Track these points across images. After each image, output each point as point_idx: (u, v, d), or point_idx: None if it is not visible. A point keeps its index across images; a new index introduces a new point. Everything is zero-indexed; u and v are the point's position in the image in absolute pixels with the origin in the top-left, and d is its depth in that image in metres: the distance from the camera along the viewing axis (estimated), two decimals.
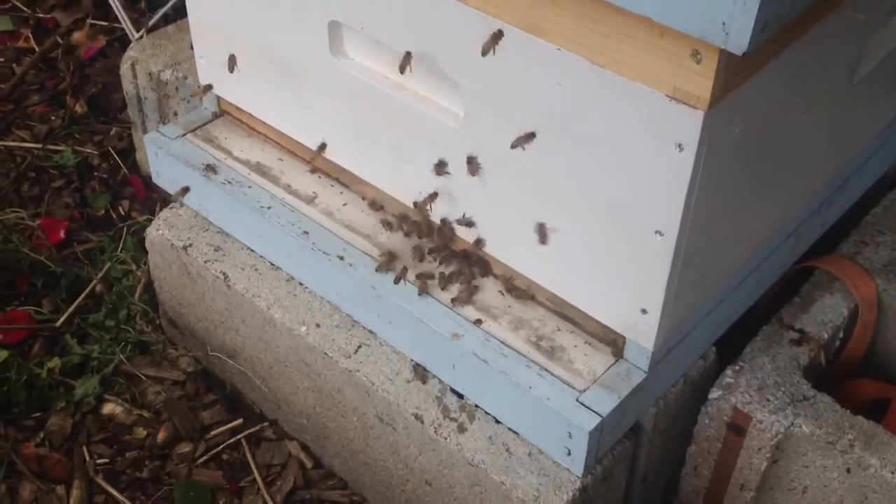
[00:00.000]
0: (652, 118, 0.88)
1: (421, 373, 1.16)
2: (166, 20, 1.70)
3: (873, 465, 1.07)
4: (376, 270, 1.17)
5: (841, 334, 1.24)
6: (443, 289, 1.15)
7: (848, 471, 1.09)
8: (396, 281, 1.15)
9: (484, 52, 0.96)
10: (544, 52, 0.93)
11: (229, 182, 1.29)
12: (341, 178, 1.29)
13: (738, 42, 0.77)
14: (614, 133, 0.92)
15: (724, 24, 0.76)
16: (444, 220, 1.15)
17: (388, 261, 1.17)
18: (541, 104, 0.97)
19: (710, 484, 1.21)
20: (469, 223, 1.12)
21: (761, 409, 1.12)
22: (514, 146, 1.00)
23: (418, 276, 1.16)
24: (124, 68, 1.63)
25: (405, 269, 1.15)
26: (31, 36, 2.02)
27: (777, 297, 1.29)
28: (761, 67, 0.89)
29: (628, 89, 0.88)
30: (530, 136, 0.98)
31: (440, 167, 1.10)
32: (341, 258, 1.20)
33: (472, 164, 1.06)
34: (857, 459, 1.08)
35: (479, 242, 1.13)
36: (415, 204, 1.16)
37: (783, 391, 1.13)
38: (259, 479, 1.35)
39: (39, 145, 1.80)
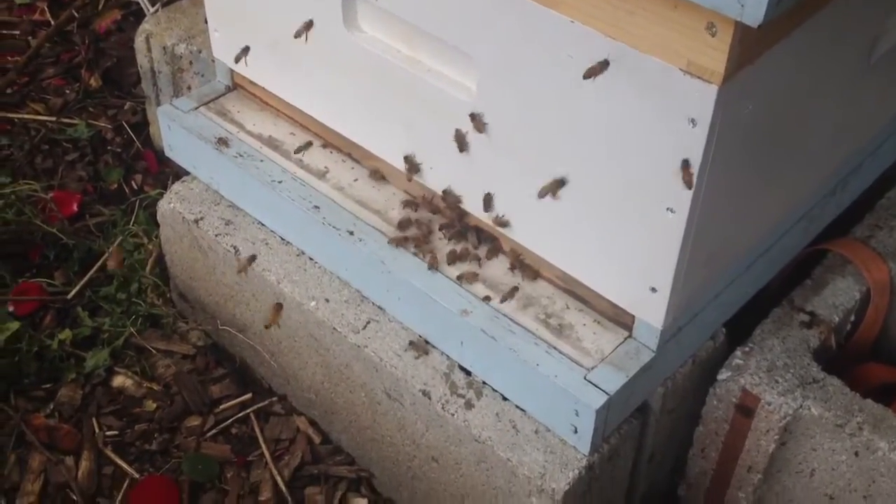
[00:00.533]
0: (665, 92, 0.87)
1: (420, 347, 1.16)
2: None
3: (882, 448, 1.06)
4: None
5: (852, 318, 1.24)
6: (450, 264, 1.15)
7: (856, 454, 1.08)
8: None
9: (586, 76, 0.93)
10: (557, 24, 0.92)
11: (241, 155, 1.29)
12: (353, 154, 1.28)
13: (754, 14, 0.76)
14: (627, 107, 0.92)
15: None
16: (450, 194, 1.15)
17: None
18: (553, 77, 0.96)
19: (718, 465, 1.20)
20: (481, 197, 1.12)
21: (770, 391, 1.11)
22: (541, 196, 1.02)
23: (427, 252, 1.16)
24: (139, 42, 1.63)
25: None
26: (46, 9, 2.02)
27: (789, 280, 1.28)
28: (776, 43, 0.88)
29: (642, 62, 0.88)
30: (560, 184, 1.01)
31: (458, 139, 1.10)
32: (351, 233, 1.19)
33: (477, 121, 1.05)
34: (866, 443, 1.07)
35: (491, 218, 1.13)
36: (405, 158, 1.16)
37: (792, 373, 1.13)
38: (267, 454, 1.35)
39: (54, 118, 1.80)
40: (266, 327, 1.29)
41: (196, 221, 1.34)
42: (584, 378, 1.05)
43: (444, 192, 1.15)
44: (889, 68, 1.18)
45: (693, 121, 0.87)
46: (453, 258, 1.15)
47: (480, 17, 0.99)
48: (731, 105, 0.87)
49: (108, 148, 1.77)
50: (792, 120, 1.02)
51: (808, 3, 0.89)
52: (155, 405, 1.41)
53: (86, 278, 1.53)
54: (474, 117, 1.06)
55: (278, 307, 1.24)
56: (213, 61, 1.40)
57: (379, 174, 1.24)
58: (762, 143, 0.99)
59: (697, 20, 0.82)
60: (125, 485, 1.32)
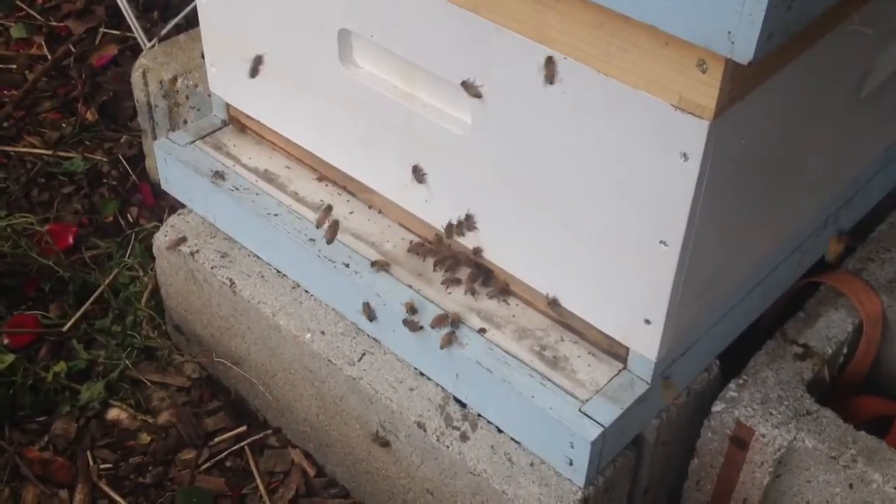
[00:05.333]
0: (657, 127, 0.89)
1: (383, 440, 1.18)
2: (178, 30, 1.72)
3: (876, 480, 1.07)
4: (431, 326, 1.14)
5: (845, 350, 1.24)
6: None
7: (850, 486, 1.08)
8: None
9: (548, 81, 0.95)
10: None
11: (237, 189, 1.30)
12: (348, 187, 1.29)
13: (744, 51, 0.77)
14: (619, 142, 0.93)
15: (729, 33, 0.77)
16: (447, 228, 1.16)
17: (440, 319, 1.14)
18: (546, 112, 0.97)
19: (713, 498, 1.20)
20: (472, 229, 1.13)
21: (764, 423, 1.12)
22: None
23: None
24: (135, 76, 1.64)
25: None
26: (44, 44, 2.04)
27: (782, 312, 1.29)
28: (767, 79, 0.90)
29: (634, 98, 0.89)
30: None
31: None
32: (347, 265, 1.20)
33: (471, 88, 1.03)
34: (860, 475, 1.07)
35: (481, 250, 1.14)
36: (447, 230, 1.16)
37: (786, 405, 1.13)
38: (261, 487, 1.35)
39: (50, 151, 1.81)
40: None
41: (192, 254, 1.34)
42: (579, 410, 1.05)
43: (446, 228, 1.16)
44: (878, 104, 1.20)
45: (685, 155, 0.88)
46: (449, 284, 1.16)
47: (475, 53, 1.00)
48: (722, 140, 0.88)
49: (104, 181, 1.78)
50: (783, 154, 1.04)
51: (799, 41, 0.90)
52: (149, 438, 1.41)
53: (81, 311, 1.53)
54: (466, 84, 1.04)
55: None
56: (209, 96, 1.42)
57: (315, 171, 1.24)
58: (754, 176, 1.00)
59: (688, 57, 0.83)
60: None
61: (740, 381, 1.16)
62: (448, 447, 1.12)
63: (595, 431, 1.03)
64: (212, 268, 1.32)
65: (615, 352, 1.09)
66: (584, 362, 1.10)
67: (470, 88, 1.02)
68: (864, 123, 1.20)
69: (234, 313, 1.33)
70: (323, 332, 1.24)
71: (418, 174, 1.14)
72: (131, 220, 1.72)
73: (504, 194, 1.07)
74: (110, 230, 1.70)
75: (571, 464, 1.06)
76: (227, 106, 1.38)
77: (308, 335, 1.24)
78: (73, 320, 1.52)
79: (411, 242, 1.22)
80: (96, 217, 1.72)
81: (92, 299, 1.54)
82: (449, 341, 1.11)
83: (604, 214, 0.99)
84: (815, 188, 1.19)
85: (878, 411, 1.24)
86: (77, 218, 1.70)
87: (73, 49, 2.00)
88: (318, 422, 1.31)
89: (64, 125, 1.87)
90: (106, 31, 2.05)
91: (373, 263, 1.19)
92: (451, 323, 1.12)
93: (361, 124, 1.19)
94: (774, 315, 1.29)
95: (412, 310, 1.14)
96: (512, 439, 1.12)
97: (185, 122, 1.61)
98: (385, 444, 1.17)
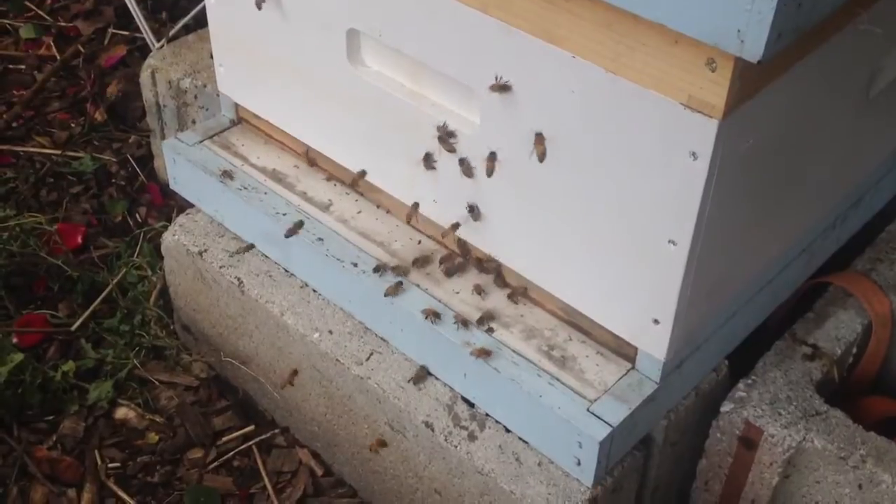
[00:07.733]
0: (666, 126, 0.88)
1: (422, 375, 1.16)
2: (187, 30, 1.72)
3: (885, 481, 1.06)
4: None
5: (854, 350, 1.24)
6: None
7: (860, 487, 1.08)
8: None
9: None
10: (559, 59, 0.93)
11: (245, 188, 1.30)
12: (356, 186, 1.29)
13: (754, 50, 0.77)
14: (628, 141, 0.93)
15: (739, 31, 0.76)
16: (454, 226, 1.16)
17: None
18: (555, 112, 0.97)
19: (721, 499, 1.20)
20: (478, 229, 1.13)
21: (773, 424, 1.11)
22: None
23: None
24: (144, 76, 1.65)
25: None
26: (52, 44, 2.04)
27: (791, 312, 1.28)
28: (776, 78, 0.90)
29: (643, 97, 0.89)
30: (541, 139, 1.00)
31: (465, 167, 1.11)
32: (355, 265, 1.20)
33: (492, 161, 1.06)
34: (870, 475, 1.07)
35: (489, 250, 1.14)
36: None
37: (795, 406, 1.13)
38: (269, 486, 1.35)
39: (59, 151, 1.81)
40: (282, 387, 1.30)
41: (200, 253, 1.35)
42: (587, 410, 1.05)
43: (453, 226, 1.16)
44: (887, 103, 1.19)
45: (694, 154, 0.88)
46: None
47: (484, 53, 1.00)
48: (731, 139, 0.88)
49: (113, 181, 1.78)
50: (792, 154, 1.03)
51: (808, 40, 0.90)
52: (157, 437, 1.41)
53: (90, 310, 1.54)
54: (442, 139, 1.07)
55: (294, 373, 1.27)
56: (217, 95, 1.42)
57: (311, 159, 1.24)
58: (763, 176, 1.00)
59: (698, 56, 0.83)
60: None
61: (749, 382, 1.16)
62: (456, 447, 1.12)
63: (603, 431, 1.03)
64: (220, 267, 1.33)
65: (623, 351, 1.09)
66: (592, 362, 1.09)
67: (496, 86, 1.02)
68: (872, 124, 1.20)
69: (242, 313, 1.33)
70: (331, 332, 1.24)
71: (429, 162, 1.13)
72: (140, 219, 1.73)
73: (511, 193, 1.07)
74: (119, 230, 1.70)
75: (579, 464, 1.06)
76: (236, 105, 1.38)
77: (316, 334, 1.24)
78: (81, 319, 1.52)
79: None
80: (105, 217, 1.72)
81: (100, 299, 1.55)
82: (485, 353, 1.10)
83: (612, 214, 0.98)
84: (824, 188, 1.19)
85: (887, 412, 1.24)
86: (86, 217, 1.71)
87: (81, 49, 2.00)
88: (325, 421, 1.31)
89: (73, 125, 1.88)
90: (115, 31, 2.06)
91: (394, 267, 1.19)
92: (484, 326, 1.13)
93: (370, 124, 1.19)
94: (783, 315, 1.29)
95: (434, 315, 1.14)
96: (520, 439, 1.11)
97: (194, 121, 1.61)
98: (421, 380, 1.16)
